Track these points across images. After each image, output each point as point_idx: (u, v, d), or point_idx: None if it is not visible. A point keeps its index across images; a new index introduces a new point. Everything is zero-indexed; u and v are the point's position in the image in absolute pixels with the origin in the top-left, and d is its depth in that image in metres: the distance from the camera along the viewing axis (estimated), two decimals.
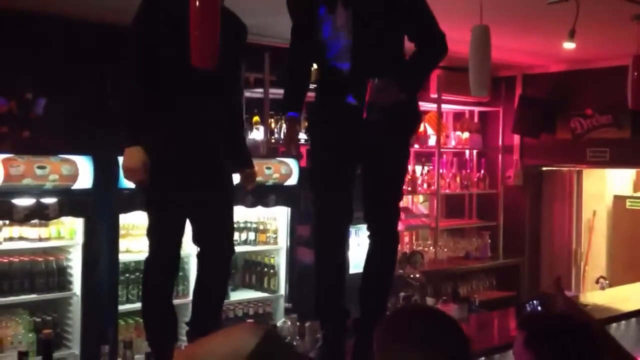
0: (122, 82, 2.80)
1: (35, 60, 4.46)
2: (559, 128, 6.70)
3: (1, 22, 4.39)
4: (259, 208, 4.98)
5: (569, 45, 4.50)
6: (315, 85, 2.97)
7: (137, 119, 2.71)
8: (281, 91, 5.42)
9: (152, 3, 2.76)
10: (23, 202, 3.93)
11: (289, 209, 5.17)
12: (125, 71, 2.77)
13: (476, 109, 7.14)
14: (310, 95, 3.01)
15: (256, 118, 5.53)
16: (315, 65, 3.00)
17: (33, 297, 4.12)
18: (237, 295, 5.07)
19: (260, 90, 5.41)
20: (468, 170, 7.04)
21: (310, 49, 2.83)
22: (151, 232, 2.87)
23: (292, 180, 5.14)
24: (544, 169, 7.13)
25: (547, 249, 7.26)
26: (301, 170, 5.20)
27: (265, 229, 5.24)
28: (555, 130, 6.73)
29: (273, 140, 5.54)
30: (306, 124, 5.59)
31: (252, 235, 5.20)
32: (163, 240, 2.85)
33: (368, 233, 2.89)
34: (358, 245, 5.50)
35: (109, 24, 4.38)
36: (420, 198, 7.04)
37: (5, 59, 4.35)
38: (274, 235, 5.23)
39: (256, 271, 5.26)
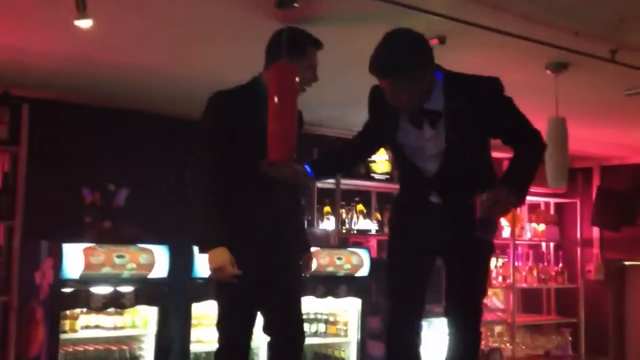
0: (198, 180, 2.83)
1: (118, 153, 4.68)
2: None
3: (85, 117, 4.65)
4: (329, 299, 4.93)
5: None
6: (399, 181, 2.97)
7: (215, 219, 2.73)
8: (352, 181, 5.57)
9: (221, 98, 2.82)
10: (101, 290, 4.02)
11: (360, 300, 5.08)
12: (199, 169, 2.81)
13: (552, 200, 6.97)
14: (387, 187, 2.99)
15: (327, 208, 5.56)
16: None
17: None
18: None
19: (332, 181, 5.47)
20: (545, 264, 6.80)
21: (362, 147, 2.87)
22: (222, 324, 2.85)
23: (364, 271, 5.08)
24: (627, 263, 6.82)
25: (633, 348, 6.83)
26: (372, 261, 5.15)
27: (336, 320, 5.15)
28: (637, 222, 6.47)
29: (344, 231, 5.54)
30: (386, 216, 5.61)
31: (322, 327, 5.12)
32: (236, 332, 2.83)
33: (448, 330, 2.80)
34: (430, 340, 5.34)
35: (188, 118, 4.57)
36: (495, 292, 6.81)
37: (91, 152, 4.58)
38: (345, 328, 5.14)
39: None
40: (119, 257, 4.02)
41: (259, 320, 2.93)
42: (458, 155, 2.61)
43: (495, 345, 5.98)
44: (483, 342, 6.12)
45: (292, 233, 2.96)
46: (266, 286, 2.82)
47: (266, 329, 2.93)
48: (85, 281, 3.95)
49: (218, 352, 2.88)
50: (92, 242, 4.01)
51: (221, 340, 2.86)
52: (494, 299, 6.76)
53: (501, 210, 2.51)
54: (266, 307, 2.89)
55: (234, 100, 2.81)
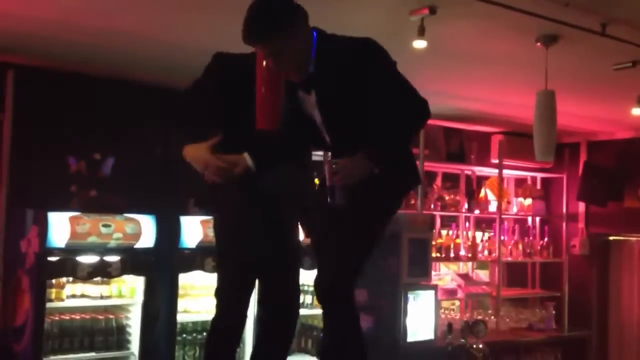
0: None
1: (105, 122, 4.62)
2: (626, 196, 6.48)
3: (73, 85, 4.58)
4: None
5: (638, 112, 4.39)
6: None
7: (187, 121, 2.68)
8: None
9: (217, 58, 2.77)
10: (87, 259, 4.01)
11: None
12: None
13: (539, 175, 7.00)
14: None
15: (316, 180, 5.55)
16: None
17: (92, 355, 4.15)
18: None
19: (320, 153, 5.44)
20: (531, 238, 6.84)
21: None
22: (219, 293, 2.84)
23: None
24: (611, 238, 6.88)
25: (616, 323, 6.92)
26: None
27: None
28: (623, 198, 6.51)
29: None
30: None
31: (308, 299, 5.13)
32: (232, 300, 2.80)
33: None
34: (415, 312, 5.38)
35: (175, 88, 4.52)
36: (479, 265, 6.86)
37: (77, 121, 4.52)
38: None
39: (312, 336, 5.18)
40: (105, 226, 4.00)
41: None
42: (337, 121, 2.49)
43: (480, 317, 6.04)
44: (467, 315, 6.19)
45: (291, 203, 2.89)
46: (264, 257, 2.78)
47: (261, 302, 2.92)
48: (71, 250, 3.93)
49: (214, 320, 2.84)
50: (78, 210, 3.99)
51: (217, 308, 2.82)
52: (480, 273, 6.82)
53: (347, 177, 2.35)
54: (264, 280, 2.86)
55: (230, 64, 2.74)
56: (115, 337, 4.23)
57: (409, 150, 2.69)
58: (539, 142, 3.91)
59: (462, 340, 5.34)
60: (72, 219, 3.90)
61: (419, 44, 3.44)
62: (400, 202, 2.72)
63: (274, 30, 2.34)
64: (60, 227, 3.88)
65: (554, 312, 6.69)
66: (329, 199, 2.41)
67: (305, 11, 2.42)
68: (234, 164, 2.55)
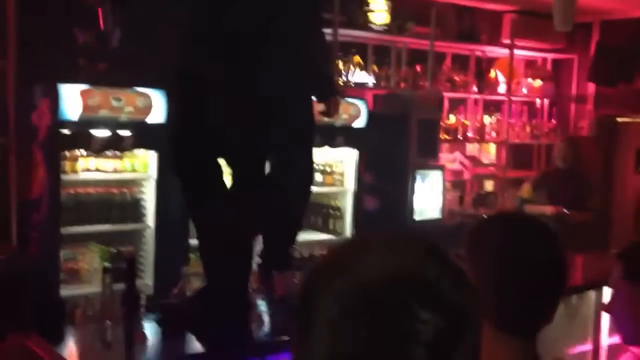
0: None
1: None
2: (637, 77, 6.41)
3: None
4: (327, 150, 4.95)
5: None
6: None
7: None
8: (350, 32, 5.44)
9: None
10: (99, 133, 4.00)
11: (357, 151, 5.12)
12: None
13: (549, 56, 6.89)
14: None
15: None
16: None
17: (109, 227, 4.23)
18: (303, 236, 5.07)
19: (329, 31, 5.33)
20: (539, 120, 6.83)
21: None
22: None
23: (361, 122, 5.08)
24: (619, 120, 6.86)
25: (619, 204, 7.02)
26: (369, 113, 5.14)
27: (332, 171, 5.22)
28: (633, 79, 6.44)
29: (341, 83, 5.48)
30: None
31: (318, 177, 5.18)
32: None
33: None
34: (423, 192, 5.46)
35: None
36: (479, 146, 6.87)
37: None
38: (341, 178, 5.21)
39: (322, 213, 5.27)
40: (116, 99, 3.97)
41: None
42: None
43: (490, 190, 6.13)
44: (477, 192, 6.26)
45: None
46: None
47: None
48: (83, 123, 3.91)
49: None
50: (88, 83, 3.94)
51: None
52: (487, 155, 6.86)
53: None
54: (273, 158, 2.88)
55: None
56: (131, 210, 4.30)
57: None
58: (558, 9, 3.81)
59: (473, 211, 5.45)
60: (82, 92, 3.86)
61: None
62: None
63: None
64: (71, 100, 3.84)
65: None
66: None
67: None
68: None
